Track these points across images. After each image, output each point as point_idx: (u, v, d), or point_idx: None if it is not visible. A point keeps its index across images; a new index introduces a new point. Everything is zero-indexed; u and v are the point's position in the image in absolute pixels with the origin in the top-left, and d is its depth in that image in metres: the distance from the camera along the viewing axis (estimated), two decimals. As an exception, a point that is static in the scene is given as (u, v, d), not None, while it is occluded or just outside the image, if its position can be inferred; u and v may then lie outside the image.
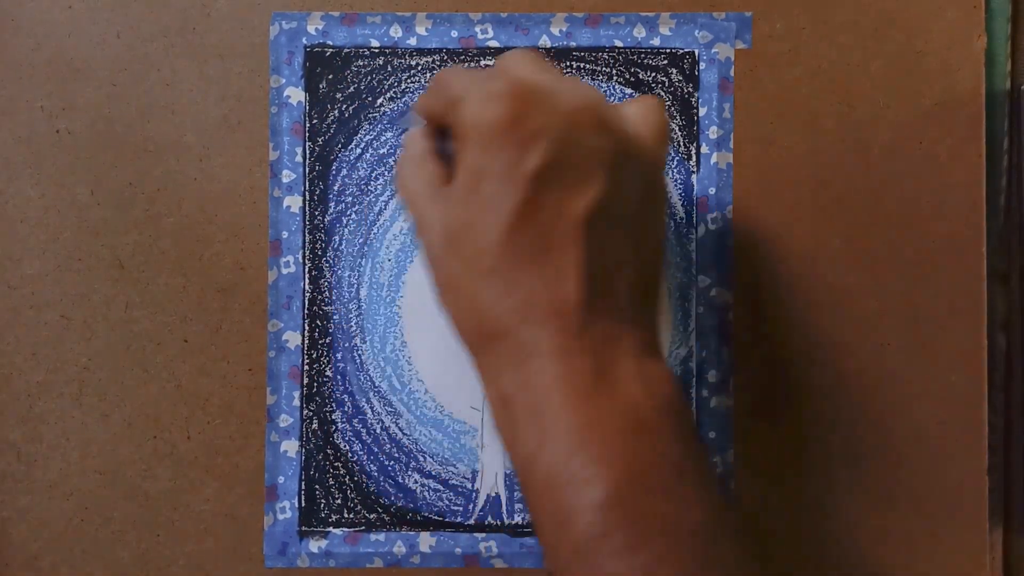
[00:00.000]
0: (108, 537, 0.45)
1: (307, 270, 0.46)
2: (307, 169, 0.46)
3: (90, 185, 0.45)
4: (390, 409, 0.45)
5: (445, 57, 0.46)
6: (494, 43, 0.46)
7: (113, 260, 0.45)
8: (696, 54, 0.45)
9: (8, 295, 0.45)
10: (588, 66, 0.46)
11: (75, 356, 0.45)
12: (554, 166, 0.33)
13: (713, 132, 0.45)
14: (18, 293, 0.45)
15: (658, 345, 0.36)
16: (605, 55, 0.45)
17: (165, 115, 0.46)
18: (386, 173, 0.46)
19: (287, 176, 0.46)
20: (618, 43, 0.45)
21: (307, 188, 0.46)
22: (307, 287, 0.46)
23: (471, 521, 0.45)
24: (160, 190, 0.46)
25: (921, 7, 0.45)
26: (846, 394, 0.45)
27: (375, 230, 0.46)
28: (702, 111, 0.45)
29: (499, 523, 0.45)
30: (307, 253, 0.46)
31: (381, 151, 0.46)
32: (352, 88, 0.46)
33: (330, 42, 0.46)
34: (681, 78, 0.46)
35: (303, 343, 0.45)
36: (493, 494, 0.45)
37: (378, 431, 0.45)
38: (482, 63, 0.46)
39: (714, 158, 0.45)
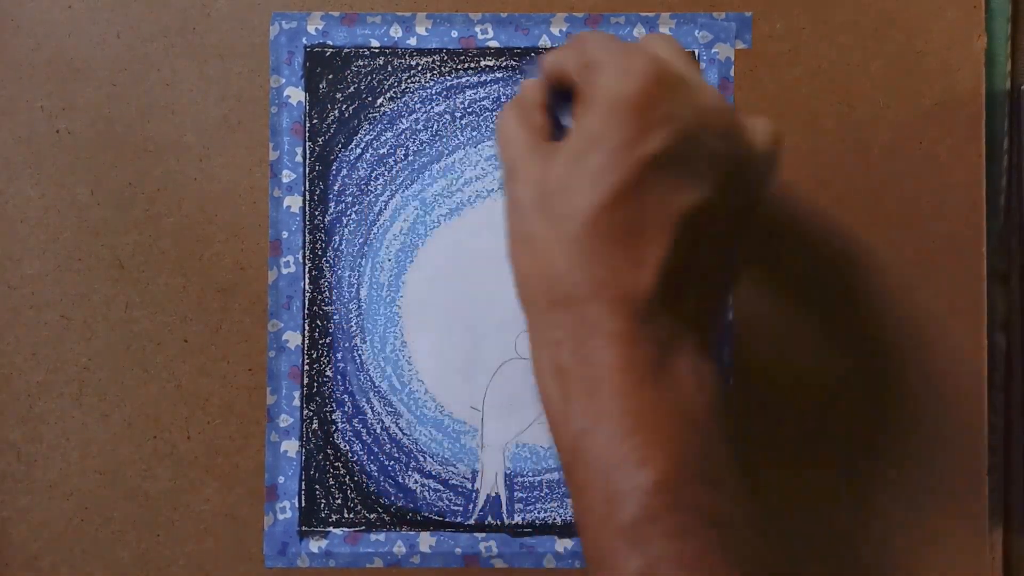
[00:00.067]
0: (108, 537, 0.45)
1: (307, 270, 0.46)
2: (307, 169, 0.46)
3: (90, 185, 0.45)
4: (390, 409, 0.45)
5: (445, 57, 0.46)
6: (494, 43, 0.46)
7: (113, 260, 0.45)
8: (696, 54, 0.45)
9: (8, 295, 0.45)
10: (588, 66, 0.46)
11: (75, 356, 0.45)
12: (670, 157, 0.33)
13: (713, 132, 0.45)
14: (18, 293, 0.45)
15: (712, 349, 0.36)
16: (605, 55, 0.45)
17: (165, 115, 0.46)
18: (386, 173, 0.46)
19: (287, 176, 0.46)
20: (618, 43, 0.45)
21: (307, 188, 0.46)
22: (307, 287, 0.46)
23: (471, 521, 0.45)
24: (160, 190, 0.46)
25: (921, 7, 0.45)
26: (846, 394, 0.45)
27: (375, 230, 0.46)
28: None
29: (499, 523, 0.45)
30: (307, 253, 0.46)
31: (381, 151, 0.46)
32: (352, 88, 0.46)
33: (330, 42, 0.46)
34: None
35: (303, 343, 0.45)
36: (493, 494, 0.45)
37: (378, 431, 0.45)
38: (482, 63, 0.46)
39: (714, 158, 0.45)
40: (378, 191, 0.46)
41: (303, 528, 0.45)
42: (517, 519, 0.45)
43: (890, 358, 0.45)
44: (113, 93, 0.46)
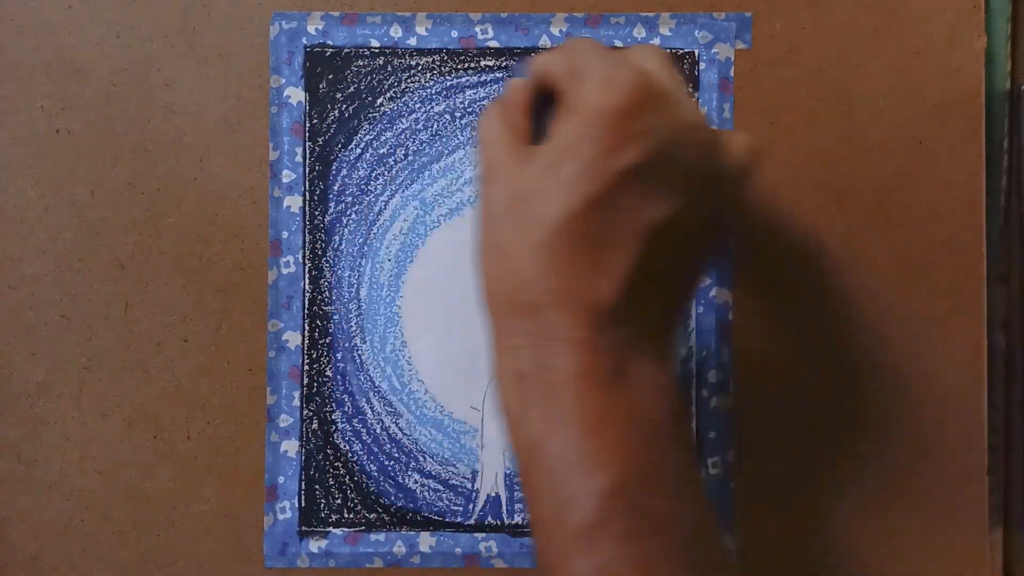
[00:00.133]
0: (108, 537, 0.45)
1: (307, 270, 0.46)
2: (307, 169, 0.46)
3: (90, 185, 0.45)
4: (390, 409, 0.45)
5: (445, 57, 0.46)
6: (494, 43, 0.46)
7: (113, 260, 0.45)
8: (696, 54, 0.45)
9: (8, 295, 0.45)
10: (588, 66, 0.46)
11: (75, 356, 0.45)
12: (645, 170, 0.33)
13: (713, 132, 0.45)
14: (18, 293, 0.45)
15: (672, 358, 0.36)
16: (605, 55, 0.45)
17: (165, 115, 0.46)
18: (386, 173, 0.46)
19: (287, 176, 0.46)
20: (618, 43, 0.45)
21: (307, 188, 0.46)
22: (307, 287, 0.46)
23: (471, 521, 0.45)
24: (160, 190, 0.46)
25: (921, 7, 0.45)
26: (846, 394, 0.45)
27: (375, 230, 0.46)
28: (702, 111, 0.45)
29: (499, 523, 0.45)
30: (307, 253, 0.46)
31: (381, 151, 0.46)
32: (352, 88, 0.46)
33: (330, 42, 0.46)
34: (681, 78, 0.45)
35: (303, 343, 0.45)
36: (493, 494, 0.45)
37: (378, 431, 0.45)
38: (482, 63, 0.46)
39: (714, 158, 0.45)
40: (378, 191, 0.46)
41: (303, 528, 0.45)
42: (517, 519, 0.45)
43: (890, 358, 0.45)
44: (113, 93, 0.46)
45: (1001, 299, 0.45)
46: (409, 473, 0.45)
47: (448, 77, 0.46)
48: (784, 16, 0.45)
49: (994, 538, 0.45)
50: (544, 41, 0.46)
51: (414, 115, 0.46)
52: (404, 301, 0.46)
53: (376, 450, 0.45)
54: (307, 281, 0.46)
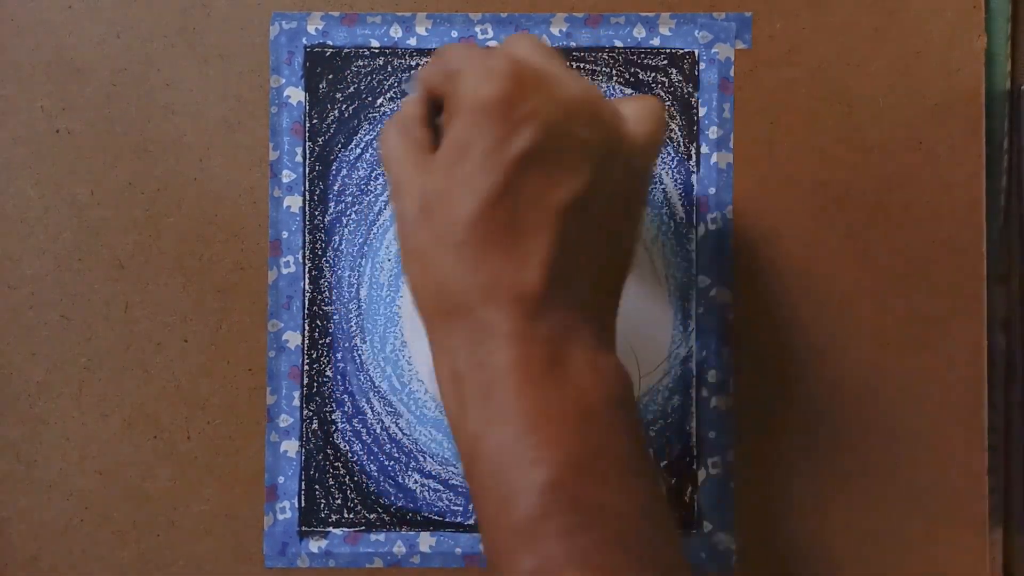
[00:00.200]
0: (108, 537, 0.45)
1: (307, 270, 0.46)
2: (307, 169, 0.46)
3: (90, 185, 0.45)
4: (390, 409, 0.45)
5: (445, 57, 0.46)
6: (494, 43, 0.46)
7: (113, 260, 0.45)
8: (696, 54, 0.45)
9: (8, 295, 0.45)
10: (588, 66, 0.46)
11: (75, 356, 0.45)
12: (540, 152, 0.33)
13: (713, 132, 0.45)
14: (18, 293, 0.45)
15: (612, 340, 0.36)
16: (605, 55, 0.45)
17: (165, 115, 0.46)
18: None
19: (287, 176, 0.46)
20: (618, 43, 0.45)
21: (307, 188, 0.46)
22: (307, 287, 0.46)
23: (471, 521, 0.45)
24: (160, 190, 0.46)
25: (921, 7, 0.45)
26: (846, 394, 0.45)
27: (375, 230, 0.46)
28: (702, 111, 0.45)
29: (499, 523, 0.45)
30: (307, 253, 0.46)
31: (381, 151, 0.46)
32: (352, 88, 0.46)
33: (330, 42, 0.46)
34: (681, 78, 0.46)
35: (303, 343, 0.45)
36: (493, 494, 0.45)
37: (378, 431, 0.45)
38: (482, 63, 0.46)
39: (714, 158, 0.45)
40: (378, 191, 0.46)
41: (303, 528, 0.45)
42: (517, 519, 0.45)
43: (890, 358, 0.45)
44: (113, 93, 0.46)
45: (1001, 299, 0.45)
46: (409, 473, 0.45)
47: (448, 77, 0.46)
48: (784, 16, 0.45)
49: (994, 538, 0.45)
50: (544, 41, 0.45)
51: (414, 115, 0.46)
52: (404, 301, 0.46)
53: (376, 450, 0.45)
54: (307, 281, 0.46)
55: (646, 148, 0.36)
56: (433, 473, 0.45)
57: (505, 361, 0.33)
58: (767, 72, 0.45)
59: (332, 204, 0.46)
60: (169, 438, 0.45)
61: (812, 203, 0.45)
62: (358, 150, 0.46)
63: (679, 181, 0.45)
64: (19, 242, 0.45)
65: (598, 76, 0.46)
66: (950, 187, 0.45)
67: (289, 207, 0.46)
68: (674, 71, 0.46)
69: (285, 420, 0.45)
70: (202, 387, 0.45)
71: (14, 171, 0.45)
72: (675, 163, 0.46)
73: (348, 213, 0.46)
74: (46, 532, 0.45)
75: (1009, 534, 0.45)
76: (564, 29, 0.45)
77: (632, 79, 0.46)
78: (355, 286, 0.46)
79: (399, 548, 0.45)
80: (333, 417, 0.45)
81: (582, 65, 0.46)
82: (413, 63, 0.46)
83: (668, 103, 0.45)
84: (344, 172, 0.46)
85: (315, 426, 0.45)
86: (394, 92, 0.46)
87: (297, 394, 0.45)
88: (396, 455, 0.45)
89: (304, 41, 0.46)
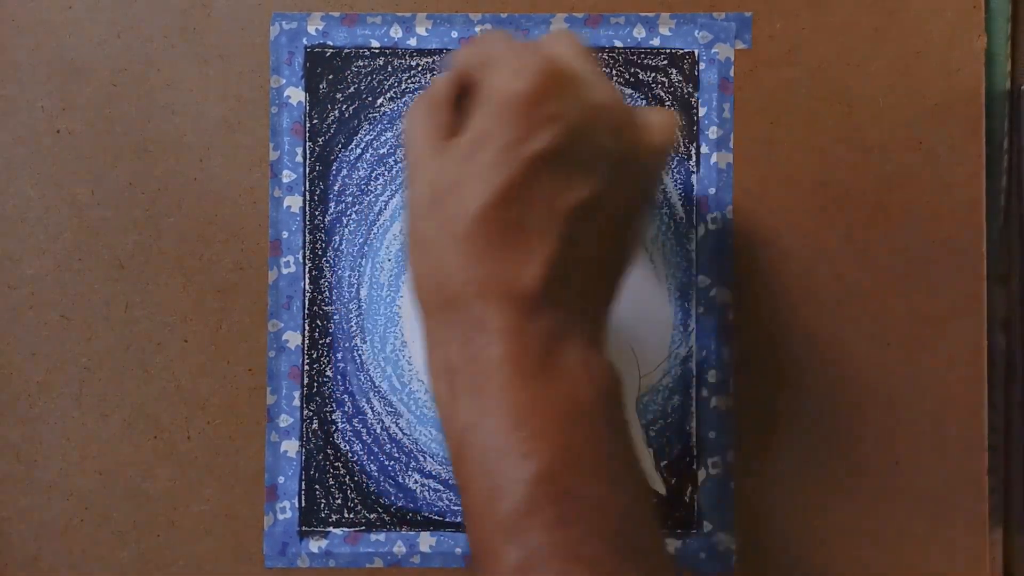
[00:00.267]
0: (108, 537, 0.45)
1: (307, 270, 0.46)
2: (307, 169, 0.46)
3: (90, 185, 0.45)
4: (390, 409, 0.45)
5: (445, 58, 0.46)
6: (494, 43, 0.46)
7: (113, 260, 0.45)
8: (696, 54, 0.45)
9: (8, 295, 0.45)
10: (588, 66, 0.46)
11: (75, 356, 0.45)
12: (557, 154, 0.33)
13: (713, 132, 0.45)
14: (18, 293, 0.45)
15: (605, 339, 0.36)
16: (605, 55, 0.45)
17: (165, 115, 0.46)
18: (386, 173, 0.46)
19: (287, 176, 0.46)
20: (618, 43, 0.45)
21: (307, 188, 0.46)
22: (307, 287, 0.46)
23: (471, 521, 0.45)
24: (160, 190, 0.46)
25: (921, 7, 0.45)
26: (846, 394, 0.45)
27: (375, 230, 0.46)
28: (702, 111, 0.45)
29: (499, 523, 0.45)
30: (307, 253, 0.46)
31: (381, 151, 0.46)
32: (352, 88, 0.46)
33: (330, 42, 0.46)
34: (681, 78, 0.46)
35: (303, 343, 0.45)
36: (493, 494, 0.45)
37: (378, 431, 0.45)
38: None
39: (714, 158, 0.45)
40: (378, 191, 0.46)
41: (303, 528, 0.45)
42: (517, 519, 0.45)
43: (890, 358, 0.45)
44: (113, 93, 0.46)
45: (1001, 299, 0.45)
46: (409, 473, 0.45)
47: (448, 77, 0.46)
48: (784, 16, 0.45)
49: (994, 538, 0.45)
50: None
51: (414, 115, 0.46)
52: (404, 301, 0.46)
53: (376, 450, 0.45)
54: (307, 281, 0.46)
55: (658, 159, 0.37)
56: (433, 473, 0.45)
57: (498, 356, 0.33)
58: (767, 72, 0.45)
59: (332, 204, 0.46)
60: (169, 438, 0.45)
61: (812, 203, 0.45)
62: (358, 150, 0.46)
63: (679, 181, 0.45)
64: (19, 242, 0.45)
65: (598, 76, 0.46)
66: (950, 187, 0.45)
67: (289, 207, 0.46)
68: (674, 71, 0.46)
69: (285, 420, 0.45)
70: (202, 387, 0.45)
71: (14, 171, 0.45)
72: (675, 163, 0.46)
73: (348, 213, 0.46)
74: (46, 532, 0.45)
75: (1009, 534, 0.45)
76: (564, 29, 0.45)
77: (632, 79, 0.46)
78: (355, 286, 0.46)
79: (399, 548, 0.45)
80: (333, 417, 0.45)
81: (582, 65, 0.46)
82: (413, 63, 0.46)
83: (668, 103, 0.45)
84: (344, 172, 0.46)
85: (315, 426, 0.45)
86: (394, 92, 0.46)
87: (297, 394, 0.45)
88: (396, 455, 0.45)
89: (304, 41, 0.46)
